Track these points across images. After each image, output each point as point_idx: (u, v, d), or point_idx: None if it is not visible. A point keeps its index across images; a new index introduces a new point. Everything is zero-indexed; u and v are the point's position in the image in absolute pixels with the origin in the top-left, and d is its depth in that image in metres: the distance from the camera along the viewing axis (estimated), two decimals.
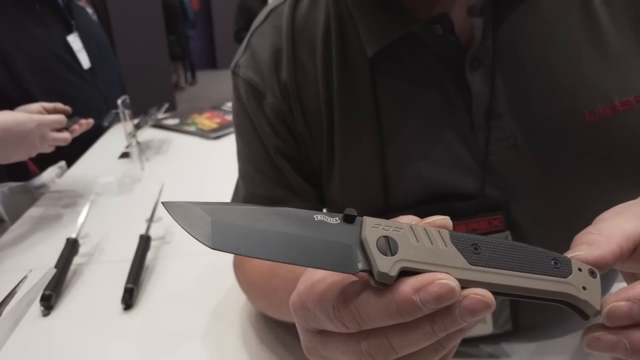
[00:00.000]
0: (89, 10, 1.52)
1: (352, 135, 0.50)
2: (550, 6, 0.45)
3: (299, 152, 0.54)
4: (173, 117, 1.63)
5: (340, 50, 0.50)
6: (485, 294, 0.23)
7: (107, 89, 1.47)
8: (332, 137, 0.51)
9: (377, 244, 0.24)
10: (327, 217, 0.25)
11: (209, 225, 0.23)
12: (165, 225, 0.87)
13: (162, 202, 0.24)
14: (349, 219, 0.25)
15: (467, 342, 0.54)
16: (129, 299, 0.67)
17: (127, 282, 0.69)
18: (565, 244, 0.29)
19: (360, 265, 0.24)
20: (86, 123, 1.02)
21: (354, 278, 0.26)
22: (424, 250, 0.24)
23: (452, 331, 0.24)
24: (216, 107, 1.71)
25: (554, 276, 0.24)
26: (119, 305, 0.67)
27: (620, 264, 0.28)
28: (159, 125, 1.55)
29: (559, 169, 0.46)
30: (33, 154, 0.92)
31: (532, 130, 0.46)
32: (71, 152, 1.21)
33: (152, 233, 0.82)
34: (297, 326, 0.29)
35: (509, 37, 0.46)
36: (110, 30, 3.85)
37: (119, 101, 1.06)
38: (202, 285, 0.72)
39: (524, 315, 0.53)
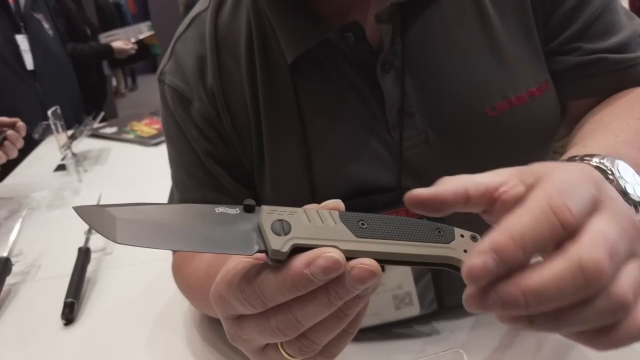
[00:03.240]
0: (46, 25, 1.54)
1: (278, 138, 0.52)
2: (450, 12, 0.50)
3: (230, 155, 0.55)
4: (111, 125, 1.59)
5: (263, 56, 0.52)
6: (371, 263, 0.26)
7: (47, 95, 1.44)
8: (260, 140, 0.53)
9: (272, 226, 0.27)
10: (227, 209, 0.28)
11: (115, 223, 0.26)
12: None
13: (73, 207, 0.26)
14: (248, 209, 0.28)
15: (400, 323, 0.58)
16: (70, 314, 0.66)
17: (67, 296, 0.68)
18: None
19: (257, 247, 0.27)
20: (17, 132, 0.97)
21: (260, 263, 0.28)
22: (315, 228, 0.27)
23: (349, 299, 0.27)
24: (155, 113, 1.68)
25: (436, 242, 0.28)
26: (59, 322, 0.66)
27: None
28: (96, 135, 1.51)
29: (466, 159, 0.51)
30: None
31: (441, 127, 0.50)
32: None
33: (92, 245, 0.80)
34: (219, 316, 0.31)
35: (416, 41, 0.50)
36: None
37: (49, 112, 1.03)
38: (145, 294, 0.72)
39: (448, 296, 0.57)
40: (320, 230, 0.27)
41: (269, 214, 0.27)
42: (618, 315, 0.24)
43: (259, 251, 0.27)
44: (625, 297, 0.23)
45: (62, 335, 0.64)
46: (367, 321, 0.57)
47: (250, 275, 0.28)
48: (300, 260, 0.26)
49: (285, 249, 0.26)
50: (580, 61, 0.51)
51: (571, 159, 0.39)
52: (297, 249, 0.26)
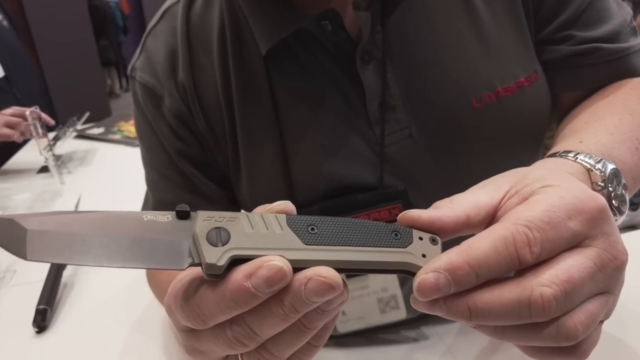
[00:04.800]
0: None
1: (254, 134, 0.50)
2: (433, 0, 0.47)
3: (204, 154, 0.53)
4: (98, 126, 1.56)
5: (236, 49, 0.49)
6: (329, 274, 0.23)
7: (26, 98, 1.39)
8: (235, 137, 0.51)
9: (207, 236, 0.23)
10: (157, 216, 0.25)
11: (25, 236, 0.22)
12: None
13: None
14: (182, 215, 0.25)
15: (386, 328, 0.56)
16: (42, 321, 0.64)
17: (39, 303, 0.65)
18: None
19: (190, 260, 0.23)
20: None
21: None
22: (258, 236, 0.24)
23: (310, 312, 0.24)
24: None
25: (392, 247, 0.25)
26: (30, 329, 0.63)
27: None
28: (83, 136, 1.48)
29: (452, 155, 0.48)
30: None
31: (425, 120, 0.47)
32: None
33: None
34: (175, 328, 0.29)
35: (398, 30, 0.47)
36: (30, 36, 3.63)
37: (27, 112, 1.00)
38: (123, 298, 0.69)
39: None
40: (264, 238, 0.24)
41: (205, 221, 0.24)
42: (563, 344, 0.24)
43: (193, 265, 0.23)
44: (574, 332, 0.24)
45: (33, 344, 0.62)
46: (352, 325, 0.54)
47: (189, 291, 0.25)
48: (240, 272, 0.23)
49: (222, 262, 0.23)
50: (573, 51, 0.49)
51: (566, 153, 0.37)
52: (238, 261, 0.23)
